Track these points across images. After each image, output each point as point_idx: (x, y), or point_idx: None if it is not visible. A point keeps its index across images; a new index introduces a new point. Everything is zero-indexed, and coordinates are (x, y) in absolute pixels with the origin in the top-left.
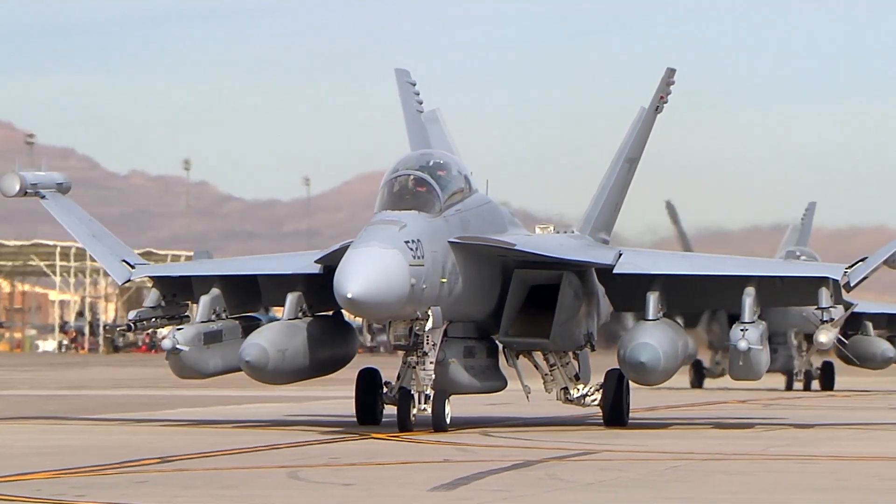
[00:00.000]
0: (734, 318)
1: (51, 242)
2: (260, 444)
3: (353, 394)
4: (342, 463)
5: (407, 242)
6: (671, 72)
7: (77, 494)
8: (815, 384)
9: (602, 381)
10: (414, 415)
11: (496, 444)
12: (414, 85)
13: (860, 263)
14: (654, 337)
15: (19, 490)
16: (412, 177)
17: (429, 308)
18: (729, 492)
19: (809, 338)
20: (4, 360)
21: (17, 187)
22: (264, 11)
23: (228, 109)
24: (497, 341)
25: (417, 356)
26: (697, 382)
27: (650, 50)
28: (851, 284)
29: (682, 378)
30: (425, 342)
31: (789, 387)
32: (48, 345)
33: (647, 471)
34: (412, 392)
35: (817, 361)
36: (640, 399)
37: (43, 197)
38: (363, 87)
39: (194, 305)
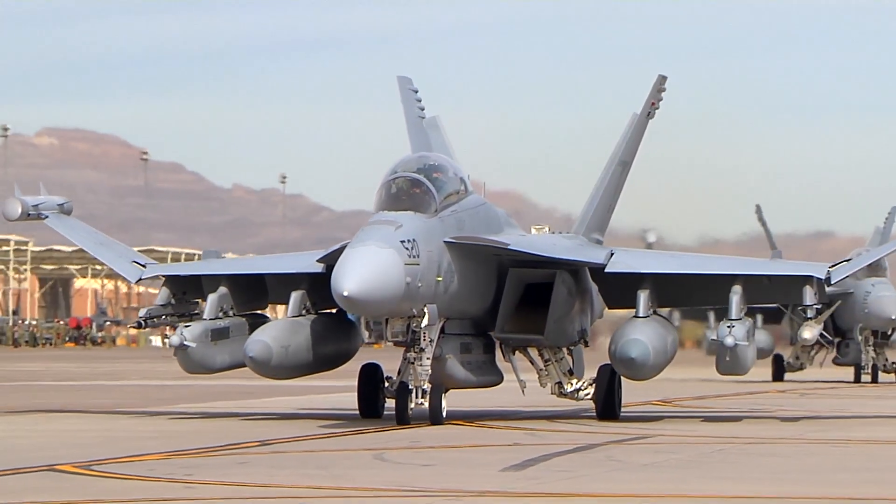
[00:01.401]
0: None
1: (162, 248)
2: (347, 430)
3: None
4: (422, 446)
5: (402, 242)
6: (662, 79)
7: (186, 474)
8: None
9: (595, 376)
10: (411, 408)
11: (561, 429)
12: (416, 92)
13: (844, 263)
14: (643, 333)
15: (134, 470)
16: (408, 178)
17: (424, 305)
18: (770, 471)
19: (876, 333)
20: (121, 354)
21: (20, 210)
22: (347, 42)
23: (321, 129)
24: (493, 338)
25: (415, 352)
26: (778, 375)
27: (652, 57)
28: (833, 281)
29: (766, 371)
30: (422, 339)
31: (857, 379)
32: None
33: (696, 453)
34: (410, 386)
35: (893, 355)
36: (694, 388)
37: (45, 217)
38: (447, 107)
39: (204, 303)
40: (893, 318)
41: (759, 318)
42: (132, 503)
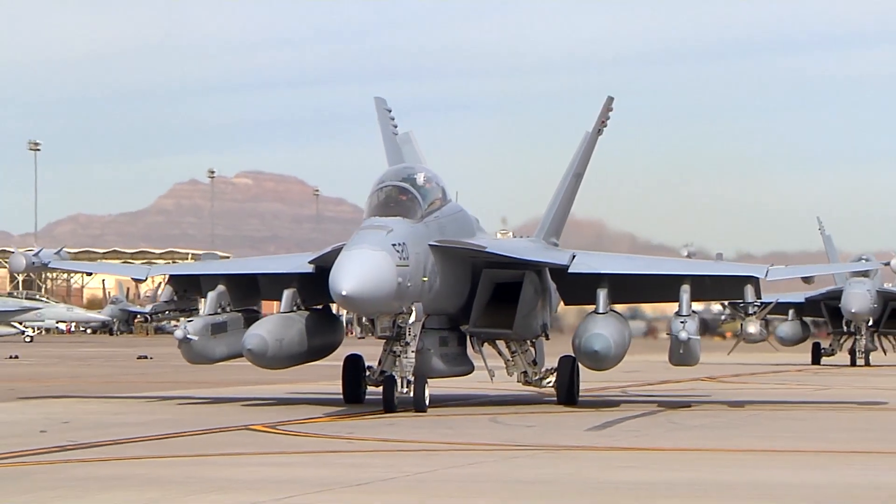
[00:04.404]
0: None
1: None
2: (469, 400)
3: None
4: (526, 412)
5: (394, 245)
6: (610, 100)
7: (348, 432)
8: None
9: (556, 365)
10: (397, 397)
11: (632, 400)
12: (390, 111)
13: (782, 267)
14: (605, 328)
15: (309, 428)
16: (397, 187)
17: (412, 303)
18: (792, 431)
19: (877, 322)
20: None
21: (24, 263)
22: (488, 104)
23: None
24: (466, 331)
25: (401, 346)
26: (816, 360)
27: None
28: (769, 280)
29: (805, 356)
30: (407, 333)
31: (852, 362)
32: None
33: (734, 417)
34: (395, 377)
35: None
36: (733, 368)
37: (48, 263)
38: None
39: (202, 300)
40: (853, 311)
41: (728, 310)
42: (308, 454)
